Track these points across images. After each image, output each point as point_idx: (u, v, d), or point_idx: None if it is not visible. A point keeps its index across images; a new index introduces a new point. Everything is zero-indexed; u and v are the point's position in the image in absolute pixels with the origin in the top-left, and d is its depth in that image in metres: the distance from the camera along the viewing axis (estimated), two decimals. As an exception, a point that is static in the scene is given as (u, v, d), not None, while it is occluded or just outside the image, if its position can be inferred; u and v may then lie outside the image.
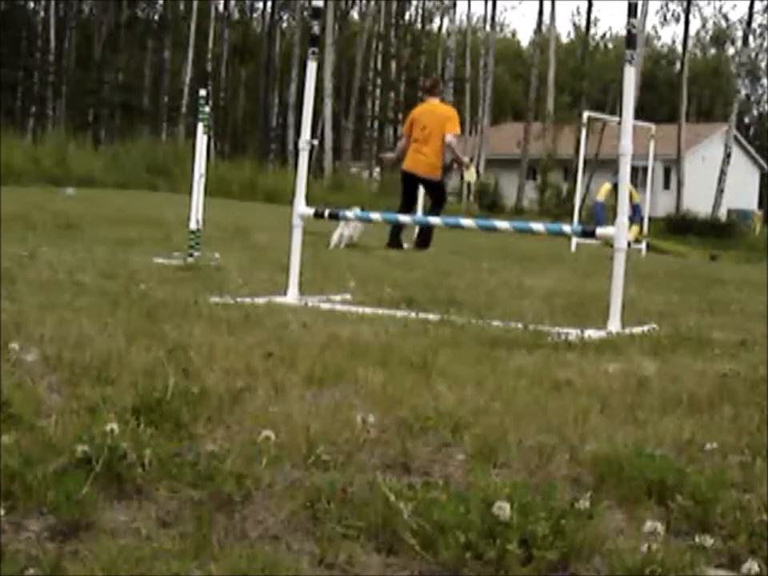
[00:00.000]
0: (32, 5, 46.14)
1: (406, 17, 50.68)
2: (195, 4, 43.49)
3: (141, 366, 2.64)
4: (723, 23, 60.37)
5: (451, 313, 4.33)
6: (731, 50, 59.32)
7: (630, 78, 4.20)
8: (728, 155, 37.43)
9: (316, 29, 5.16)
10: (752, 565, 1.59)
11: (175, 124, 42.20)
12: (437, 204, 10.49)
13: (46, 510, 1.68)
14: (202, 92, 7.33)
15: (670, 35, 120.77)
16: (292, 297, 4.85)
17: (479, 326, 3.98)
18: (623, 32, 5.05)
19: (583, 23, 51.90)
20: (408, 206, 10.50)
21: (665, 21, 70.61)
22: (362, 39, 44.12)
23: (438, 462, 2.08)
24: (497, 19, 50.85)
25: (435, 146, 10.17)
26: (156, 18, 47.97)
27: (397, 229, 10.12)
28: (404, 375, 2.79)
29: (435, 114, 10.26)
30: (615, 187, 14.59)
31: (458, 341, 3.56)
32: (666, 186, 42.63)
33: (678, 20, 56.49)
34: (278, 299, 4.66)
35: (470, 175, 11.06)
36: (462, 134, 11.51)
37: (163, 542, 1.60)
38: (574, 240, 13.82)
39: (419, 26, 51.85)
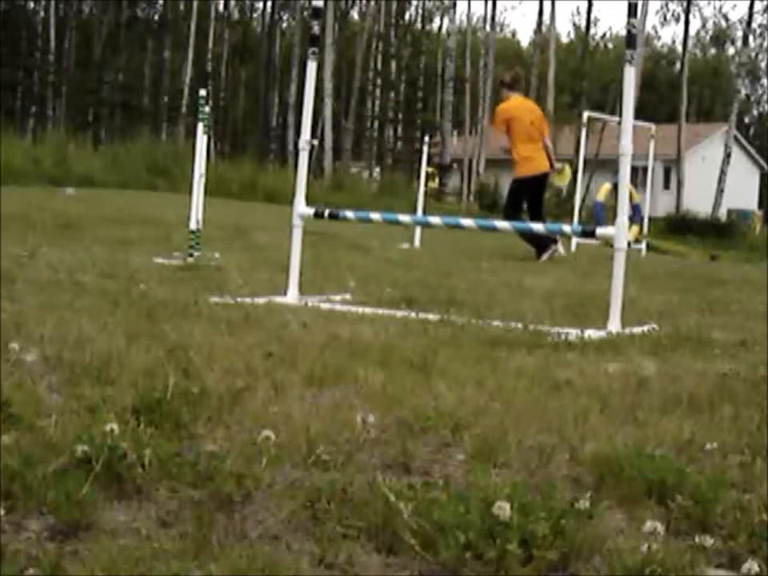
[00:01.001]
0: (32, 5, 46.14)
1: (406, 17, 50.69)
2: (195, 4, 43.47)
3: (141, 366, 2.64)
4: (723, 23, 60.38)
5: (451, 313, 4.33)
6: (731, 50, 59.35)
7: (630, 77, 4.20)
8: (728, 155, 37.43)
9: (316, 29, 5.16)
10: (752, 565, 1.59)
11: (175, 124, 42.19)
12: (539, 203, 10.19)
13: (45, 510, 1.68)
14: (202, 92, 7.33)
15: (669, 35, 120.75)
16: (292, 297, 4.85)
17: (479, 325, 3.98)
18: (623, 32, 5.05)
19: (583, 23, 51.93)
20: (518, 210, 10.10)
21: (665, 21, 70.75)
22: (362, 39, 44.13)
23: (438, 462, 2.08)
24: (497, 19, 50.85)
25: (543, 142, 9.94)
26: (156, 18, 47.95)
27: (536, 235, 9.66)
28: (404, 375, 2.79)
29: (536, 111, 10.08)
30: (615, 187, 14.60)
31: (458, 341, 3.56)
32: (666, 186, 42.62)
33: (677, 20, 56.59)
34: (278, 299, 4.66)
35: (562, 179, 10.42)
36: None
37: (163, 542, 1.60)
38: (574, 240, 13.82)
39: (419, 25, 51.85)
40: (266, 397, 2.46)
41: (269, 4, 49.03)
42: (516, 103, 9.91)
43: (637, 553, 1.59)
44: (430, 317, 4.18)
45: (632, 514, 1.83)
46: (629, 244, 5.64)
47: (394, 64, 47.64)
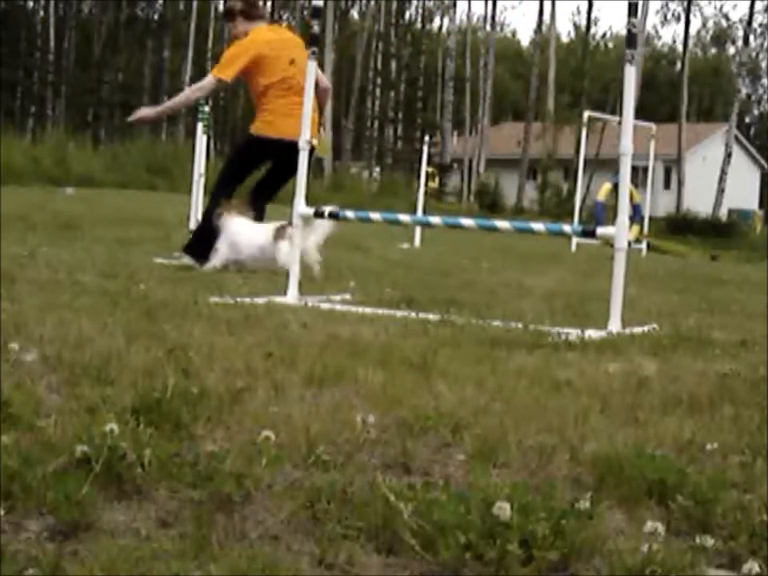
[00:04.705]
0: (31, 4, 46.18)
1: (406, 16, 50.73)
2: (195, 3, 43.51)
3: (141, 365, 2.64)
4: (724, 23, 60.48)
5: (451, 313, 4.33)
6: (732, 50, 59.39)
7: (631, 77, 4.19)
8: (728, 155, 37.44)
9: (316, 28, 5.16)
10: (752, 565, 1.58)
11: (175, 124, 42.18)
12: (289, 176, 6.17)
13: (45, 510, 1.67)
14: (202, 92, 7.32)
15: (670, 35, 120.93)
16: (292, 297, 4.84)
17: (479, 325, 3.98)
18: (623, 31, 5.06)
19: (583, 23, 52.00)
20: (237, 184, 6.68)
21: (665, 20, 70.76)
22: (362, 39, 44.14)
23: (438, 462, 2.08)
24: (497, 19, 50.95)
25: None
26: (156, 17, 47.98)
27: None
28: (404, 375, 2.79)
29: (300, 46, 6.54)
30: (615, 187, 14.59)
31: (458, 341, 3.55)
32: (667, 185, 42.63)
33: (678, 19, 56.52)
34: (278, 299, 4.65)
35: (323, 148, 7.02)
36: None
37: (163, 542, 1.60)
38: (574, 240, 13.83)
39: (419, 25, 51.87)
40: (266, 397, 2.45)
41: (269, 3, 49.03)
42: (270, 34, 6.62)
43: (637, 553, 1.59)
44: (430, 317, 4.18)
45: (632, 515, 1.83)
46: (629, 244, 5.63)
47: (394, 64, 47.68)
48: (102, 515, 1.69)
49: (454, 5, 45.92)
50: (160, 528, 1.67)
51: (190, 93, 6.94)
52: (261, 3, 6.89)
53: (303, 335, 3.45)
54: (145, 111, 6.75)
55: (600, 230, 4.51)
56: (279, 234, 5.85)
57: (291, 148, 5.95)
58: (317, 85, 5.94)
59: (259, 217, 6.37)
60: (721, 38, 61.02)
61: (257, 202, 6.53)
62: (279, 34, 6.76)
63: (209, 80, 6.55)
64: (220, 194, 6.50)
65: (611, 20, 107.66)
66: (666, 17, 63.59)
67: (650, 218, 18.23)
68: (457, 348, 3.36)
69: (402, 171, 40.71)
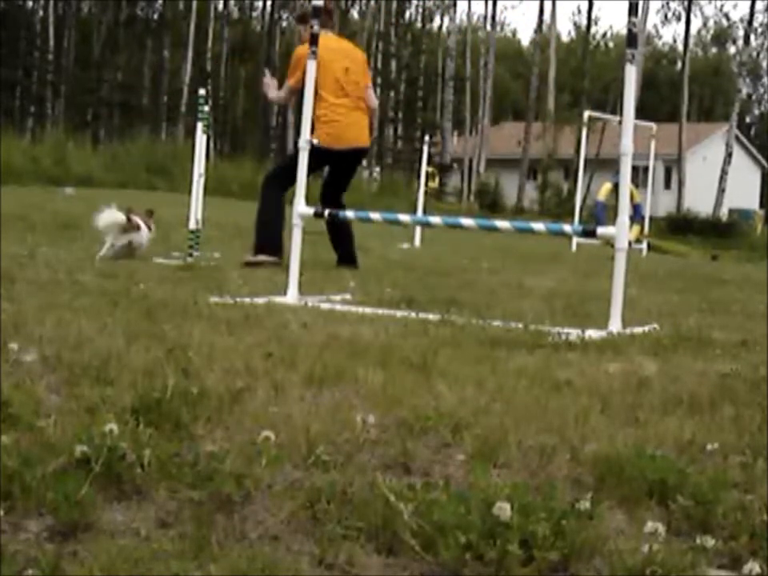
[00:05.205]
0: (30, 4, 46.13)
1: (406, 16, 50.70)
2: (194, 3, 43.49)
3: (140, 365, 2.64)
4: (724, 22, 60.48)
5: (451, 313, 4.33)
6: (732, 49, 59.39)
7: (631, 77, 4.19)
8: (729, 155, 37.41)
9: (316, 28, 5.16)
10: (753, 566, 1.58)
11: (175, 123, 42.21)
12: (344, 186, 7.33)
13: (44, 510, 1.67)
14: (202, 91, 7.33)
15: (671, 34, 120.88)
16: (292, 297, 4.84)
17: (479, 325, 3.98)
18: (624, 31, 5.05)
19: (584, 22, 52.02)
20: (288, 184, 6.48)
21: (666, 20, 70.63)
22: (362, 38, 44.11)
23: (438, 462, 2.07)
24: (497, 18, 50.99)
25: (365, 103, 7.18)
26: (155, 17, 47.96)
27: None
28: (404, 375, 2.79)
29: (357, 58, 7.24)
30: (616, 187, 14.59)
31: (458, 341, 3.55)
32: (667, 185, 42.62)
33: (679, 19, 56.49)
34: (278, 299, 4.65)
35: None
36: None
37: (162, 542, 1.59)
38: (575, 240, 13.83)
39: (419, 25, 51.84)
40: (265, 397, 2.45)
41: (268, 3, 49.04)
42: (330, 43, 6.85)
43: (637, 553, 1.59)
44: (430, 317, 4.18)
45: (633, 515, 1.83)
46: (630, 244, 5.63)
47: (394, 63, 47.65)
48: (101, 515, 1.68)
49: (454, 4, 45.93)
50: (160, 528, 1.67)
51: (283, 94, 7.35)
52: (334, 14, 7.50)
53: (303, 335, 3.45)
54: (273, 88, 7.25)
55: (600, 230, 4.51)
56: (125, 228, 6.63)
57: (342, 156, 6.85)
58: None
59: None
60: (721, 37, 61.02)
61: (326, 204, 6.74)
62: (339, 43, 7.26)
63: (285, 87, 7.18)
64: (270, 191, 7.09)
65: (611, 19, 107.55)
66: (666, 16, 63.69)
67: (651, 218, 18.23)
68: (457, 348, 3.36)
69: (402, 171, 40.72)
